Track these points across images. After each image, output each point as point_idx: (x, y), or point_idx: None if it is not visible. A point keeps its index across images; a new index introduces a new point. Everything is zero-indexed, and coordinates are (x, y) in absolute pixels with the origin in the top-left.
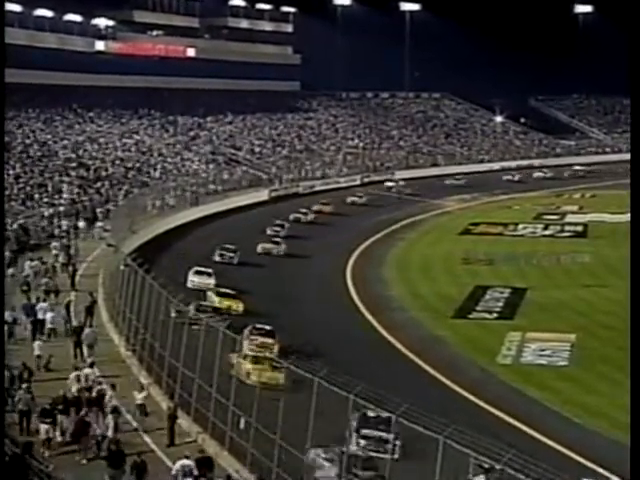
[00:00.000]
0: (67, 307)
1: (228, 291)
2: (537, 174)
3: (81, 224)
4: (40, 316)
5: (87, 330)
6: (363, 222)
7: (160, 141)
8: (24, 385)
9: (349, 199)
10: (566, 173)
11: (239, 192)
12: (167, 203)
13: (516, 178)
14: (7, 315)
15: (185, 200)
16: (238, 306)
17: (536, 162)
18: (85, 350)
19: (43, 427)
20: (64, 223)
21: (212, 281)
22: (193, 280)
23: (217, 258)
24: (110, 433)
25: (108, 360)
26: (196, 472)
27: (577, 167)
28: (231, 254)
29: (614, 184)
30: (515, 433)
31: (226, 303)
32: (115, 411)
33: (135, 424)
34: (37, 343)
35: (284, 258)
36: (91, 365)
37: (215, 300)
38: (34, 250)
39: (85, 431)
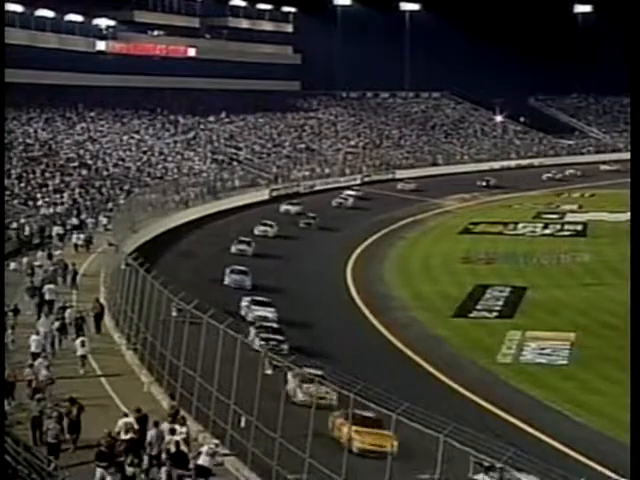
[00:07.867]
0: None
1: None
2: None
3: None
4: (47, 297)
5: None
6: (363, 222)
7: (161, 141)
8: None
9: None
10: (567, 172)
11: (240, 191)
12: (168, 201)
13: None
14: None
15: (184, 199)
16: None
17: (536, 161)
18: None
19: (99, 471)
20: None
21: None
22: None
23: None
24: None
25: (109, 359)
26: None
27: (576, 166)
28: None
29: (613, 183)
30: (515, 431)
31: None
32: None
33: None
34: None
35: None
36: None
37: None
38: (35, 249)
39: None
